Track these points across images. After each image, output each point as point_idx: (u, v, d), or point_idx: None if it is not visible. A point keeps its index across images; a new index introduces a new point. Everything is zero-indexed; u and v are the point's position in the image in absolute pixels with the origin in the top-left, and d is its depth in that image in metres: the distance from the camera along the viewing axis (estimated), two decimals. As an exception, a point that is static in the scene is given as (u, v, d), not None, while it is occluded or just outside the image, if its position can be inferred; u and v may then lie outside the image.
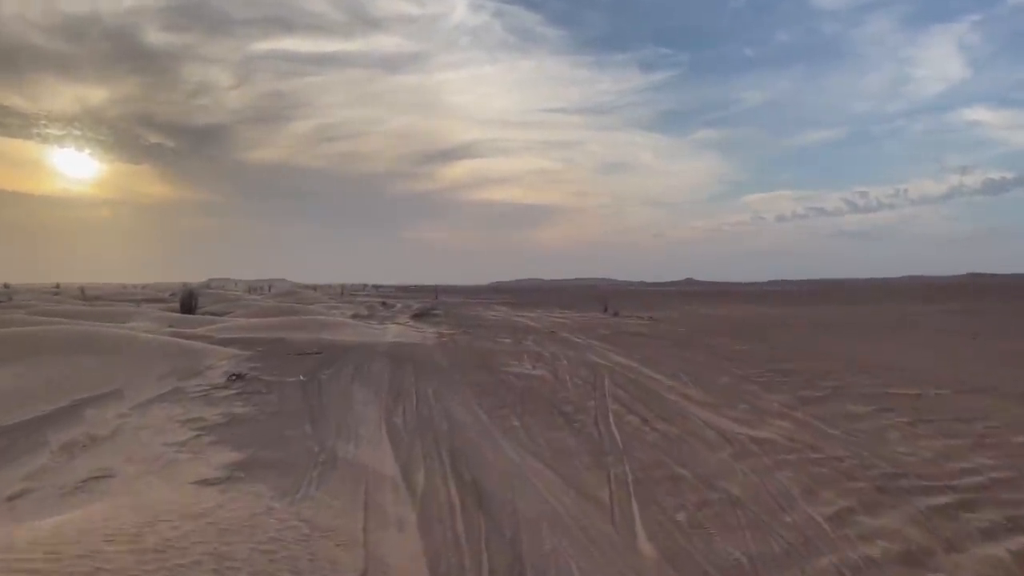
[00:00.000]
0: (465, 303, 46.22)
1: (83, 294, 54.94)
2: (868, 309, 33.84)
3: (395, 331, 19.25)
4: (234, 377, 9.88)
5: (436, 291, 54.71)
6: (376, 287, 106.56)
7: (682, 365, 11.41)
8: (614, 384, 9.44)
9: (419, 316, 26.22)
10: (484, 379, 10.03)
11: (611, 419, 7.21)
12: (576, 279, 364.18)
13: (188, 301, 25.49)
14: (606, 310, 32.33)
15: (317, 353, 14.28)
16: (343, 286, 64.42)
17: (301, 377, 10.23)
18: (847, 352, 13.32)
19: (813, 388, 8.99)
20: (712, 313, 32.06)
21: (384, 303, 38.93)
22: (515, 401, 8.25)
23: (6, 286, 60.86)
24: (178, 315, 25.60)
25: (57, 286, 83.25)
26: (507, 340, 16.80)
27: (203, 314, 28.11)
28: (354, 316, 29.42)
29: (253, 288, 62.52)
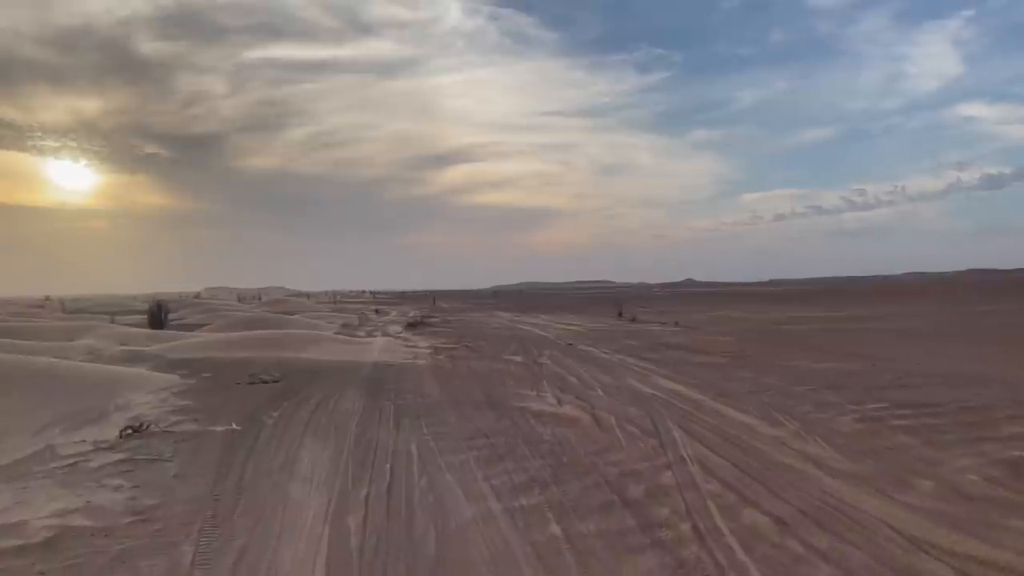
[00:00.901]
0: (464, 309, 43.07)
1: (63, 307, 51.82)
2: (911, 309, 30.72)
3: (382, 345, 16.10)
4: (130, 431, 6.76)
5: (433, 297, 51.54)
6: (374, 293, 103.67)
7: (766, 396, 8.27)
8: (688, 434, 6.30)
9: (413, 326, 23.15)
10: (492, 425, 6.92)
11: (719, 521, 4.09)
12: (575, 282, 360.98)
13: (157, 315, 22.38)
14: (621, 315, 29.21)
15: (275, 381, 11.17)
16: (335, 293, 61.23)
17: (234, 426, 7.15)
18: (993, 373, 10.15)
19: (1000, 441, 5.85)
20: (744, 317, 28.90)
21: (377, 310, 35.84)
22: (545, 475, 5.13)
23: None
24: (144, 330, 22.53)
25: (46, 298, 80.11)
26: (517, 358, 13.68)
27: (176, 327, 25.05)
28: (343, 326, 26.34)
29: (244, 297, 59.46)
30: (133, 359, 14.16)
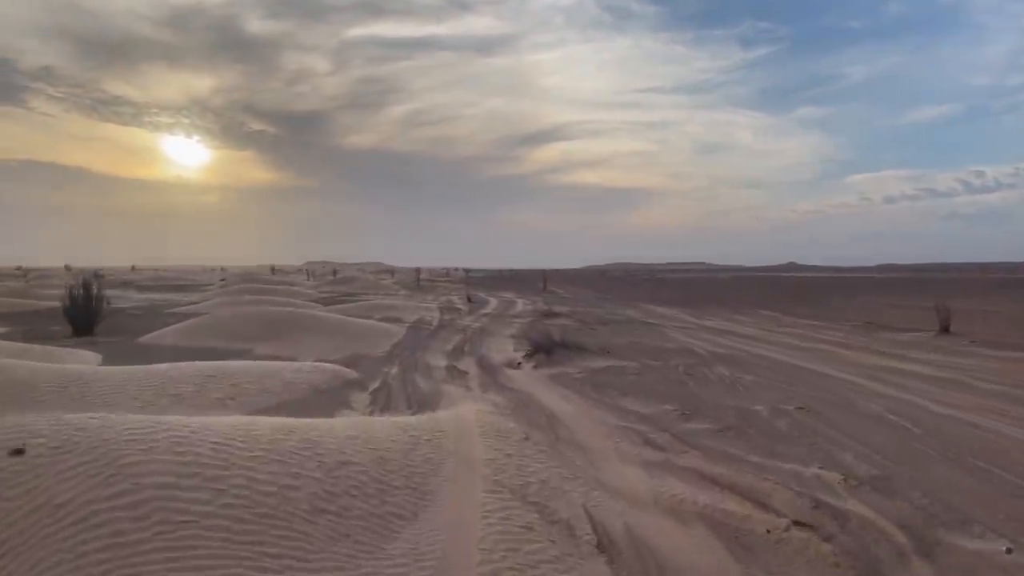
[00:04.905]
0: (585, 297, 31.36)
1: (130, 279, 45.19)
2: None
3: (484, 429, 4.92)
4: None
5: (544, 279, 39.96)
6: (467, 271, 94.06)
7: None
8: None
9: (537, 350, 10.99)
10: None
11: None
12: (671, 263, 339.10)
13: (79, 309, 12.33)
14: (863, 322, 16.38)
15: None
16: (418, 271, 51.36)
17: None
18: None
19: None
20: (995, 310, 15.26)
21: (470, 298, 25.00)
22: None
23: (19, 268, 52.25)
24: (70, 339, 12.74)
25: (133, 268, 76.38)
26: None
27: (108, 333, 15.18)
28: (412, 327, 15.50)
29: (312, 272, 50.84)
30: None
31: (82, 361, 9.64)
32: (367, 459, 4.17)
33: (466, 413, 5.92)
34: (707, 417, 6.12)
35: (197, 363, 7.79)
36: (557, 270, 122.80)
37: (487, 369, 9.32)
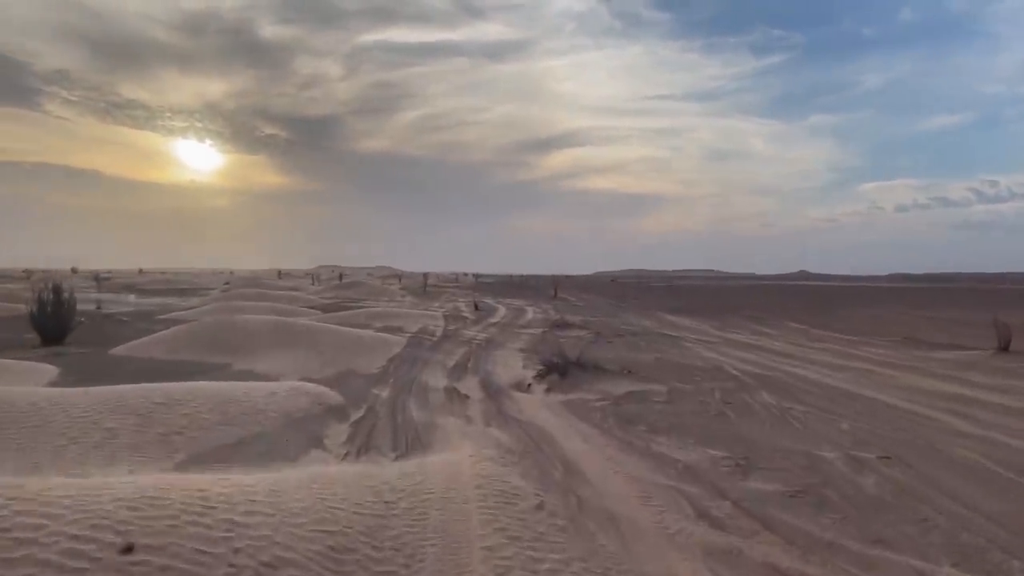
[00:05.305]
0: (600, 305, 30.03)
1: (98, 282, 44.36)
2: None
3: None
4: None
5: (555, 285, 38.61)
6: (476, 276, 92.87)
7: None
8: None
9: (550, 369, 9.66)
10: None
11: None
12: (681, 271, 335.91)
13: (51, 313, 11.23)
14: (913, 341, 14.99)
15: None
16: (426, 276, 50.13)
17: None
18: None
19: None
20: None
21: (477, 305, 23.72)
22: None
23: (25, 271, 51.67)
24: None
25: (140, 271, 75.79)
26: None
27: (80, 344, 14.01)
28: (413, 338, 14.25)
29: (318, 277, 49.84)
30: None
31: (33, 378, 8.48)
32: (312, 550, 2.92)
33: (462, 461, 4.66)
34: (769, 470, 4.82)
35: (151, 386, 6.59)
36: (567, 276, 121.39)
37: (492, 392, 8.06)
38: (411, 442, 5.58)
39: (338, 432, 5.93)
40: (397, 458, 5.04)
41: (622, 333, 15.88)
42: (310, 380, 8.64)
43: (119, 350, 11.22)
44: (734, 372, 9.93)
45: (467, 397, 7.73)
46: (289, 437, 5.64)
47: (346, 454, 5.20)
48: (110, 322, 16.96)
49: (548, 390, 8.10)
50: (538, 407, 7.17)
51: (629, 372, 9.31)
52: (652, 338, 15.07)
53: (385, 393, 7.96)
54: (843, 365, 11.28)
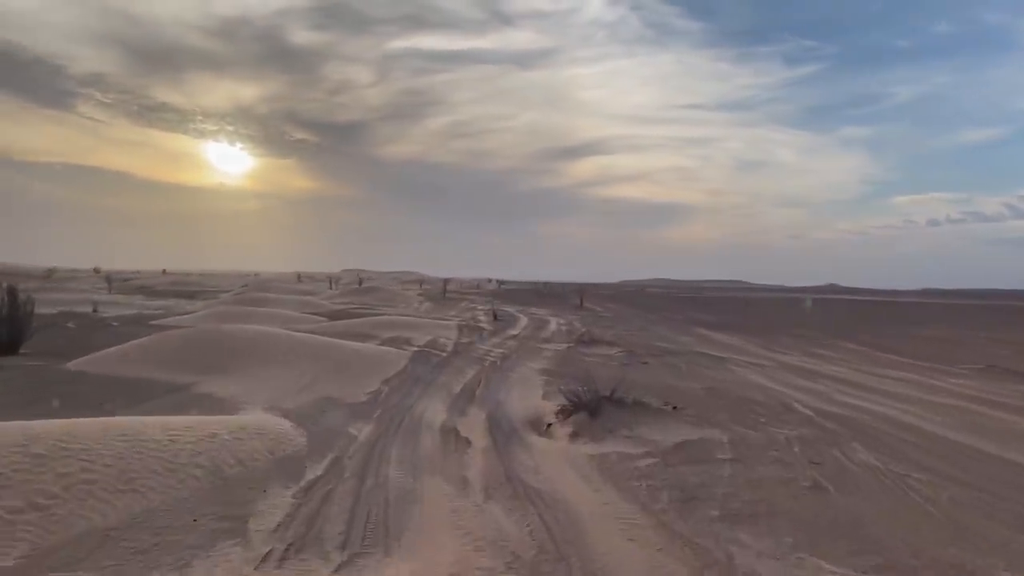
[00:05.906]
0: (633, 317, 27.93)
1: (109, 284, 43.57)
2: None
3: None
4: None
5: (581, 295, 36.52)
6: (500, 282, 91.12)
7: None
8: None
9: (582, 407, 7.71)
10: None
11: None
12: (707, 280, 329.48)
13: (4, 319, 9.74)
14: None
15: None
16: (446, 282, 48.40)
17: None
18: None
19: None
20: None
21: (496, 315, 21.91)
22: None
23: (49, 270, 51.44)
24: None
25: (164, 272, 75.80)
26: None
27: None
28: (419, 352, 12.48)
29: (337, 280, 48.52)
30: None
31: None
32: None
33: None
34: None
35: (40, 425, 4.91)
36: (593, 284, 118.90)
37: (501, 437, 6.24)
38: (372, 530, 3.79)
39: (275, 507, 4.16)
40: (340, 568, 3.25)
41: (658, 352, 13.92)
42: (279, 409, 6.94)
43: (78, 363, 9.68)
44: (805, 411, 7.95)
45: (468, 444, 5.92)
46: (200, 515, 3.90)
47: (267, 554, 3.43)
48: (97, 327, 15.60)
49: (574, 435, 6.25)
50: (561, 464, 5.33)
51: (675, 408, 7.40)
52: (693, 358, 13.09)
53: (364, 433, 6.19)
54: (932, 402, 9.20)
